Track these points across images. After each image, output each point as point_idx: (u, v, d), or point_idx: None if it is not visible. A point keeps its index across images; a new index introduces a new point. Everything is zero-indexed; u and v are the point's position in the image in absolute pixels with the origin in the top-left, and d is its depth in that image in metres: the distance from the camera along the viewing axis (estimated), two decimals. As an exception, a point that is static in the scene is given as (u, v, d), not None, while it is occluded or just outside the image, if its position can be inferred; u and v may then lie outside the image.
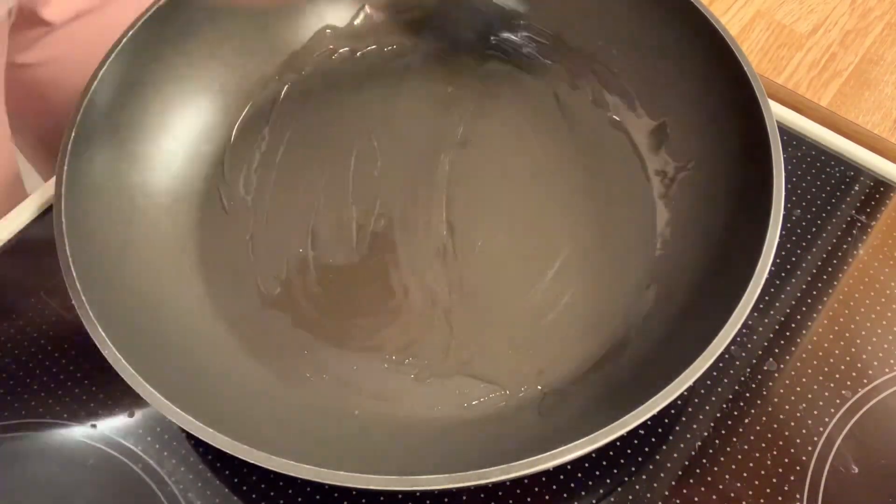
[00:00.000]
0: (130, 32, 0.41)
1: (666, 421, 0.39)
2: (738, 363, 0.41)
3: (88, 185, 0.39)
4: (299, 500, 0.37)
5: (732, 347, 0.41)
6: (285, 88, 0.48)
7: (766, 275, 0.34)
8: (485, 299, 0.41)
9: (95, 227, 0.39)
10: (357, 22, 0.50)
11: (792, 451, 0.38)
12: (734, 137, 0.41)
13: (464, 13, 0.49)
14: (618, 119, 0.46)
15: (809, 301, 0.43)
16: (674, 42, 0.44)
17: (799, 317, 0.42)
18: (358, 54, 0.49)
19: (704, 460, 0.38)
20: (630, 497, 0.37)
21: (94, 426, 0.39)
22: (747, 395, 0.40)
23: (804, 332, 0.42)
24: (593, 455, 0.38)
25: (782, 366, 0.41)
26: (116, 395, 0.39)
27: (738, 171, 0.40)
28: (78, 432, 0.38)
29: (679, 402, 0.40)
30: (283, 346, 0.40)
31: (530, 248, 0.42)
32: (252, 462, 0.30)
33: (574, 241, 0.43)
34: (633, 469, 0.38)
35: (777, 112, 0.49)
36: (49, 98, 0.55)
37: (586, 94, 0.47)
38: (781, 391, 0.40)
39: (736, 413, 0.39)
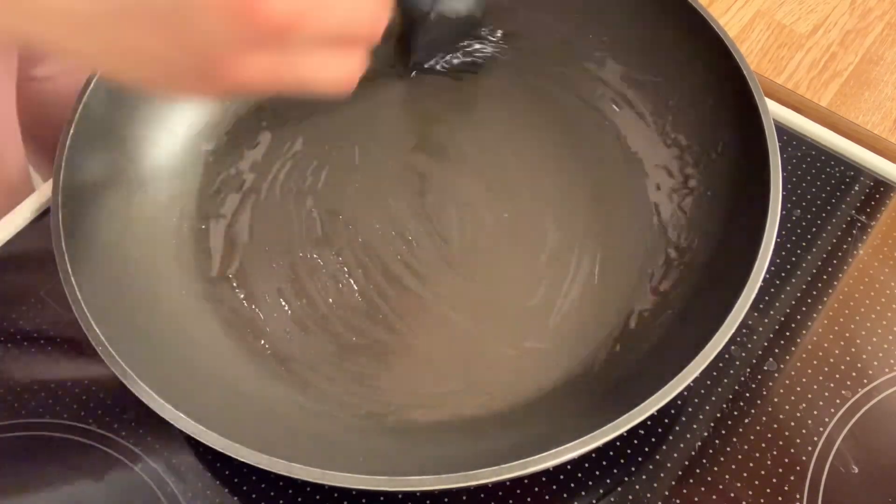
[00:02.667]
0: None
1: (666, 421, 0.39)
2: (738, 363, 0.41)
3: (86, 184, 0.39)
4: (299, 500, 0.37)
5: (732, 347, 0.41)
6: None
7: (762, 276, 0.34)
8: (482, 303, 0.41)
9: (93, 225, 0.39)
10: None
11: (792, 451, 0.38)
12: (732, 137, 0.41)
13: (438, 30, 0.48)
14: (616, 121, 0.46)
15: (809, 301, 0.43)
16: (671, 42, 0.44)
17: (799, 317, 0.42)
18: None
19: (704, 460, 0.38)
20: (630, 497, 0.37)
21: (93, 426, 0.39)
22: (747, 395, 0.40)
23: (804, 332, 0.42)
24: (593, 455, 0.38)
25: (782, 366, 0.41)
26: (116, 394, 0.39)
27: (736, 170, 0.40)
28: (78, 432, 0.38)
29: (679, 402, 0.40)
30: (277, 347, 0.40)
31: (528, 251, 0.42)
32: (245, 461, 0.30)
33: (571, 245, 0.42)
34: (633, 469, 0.38)
35: (777, 112, 0.49)
36: (58, 105, 0.56)
37: (582, 95, 0.47)
38: (781, 391, 0.40)
39: (736, 413, 0.39)
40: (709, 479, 0.38)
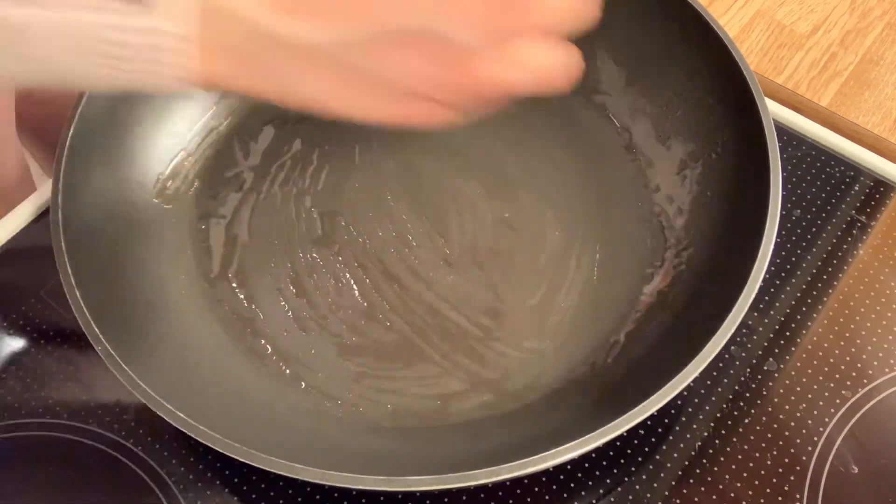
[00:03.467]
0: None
1: (666, 421, 0.39)
2: (738, 363, 0.41)
3: (86, 183, 0.39)
4: (299, 499, 0.37)
5: (732, 347, 0.41)
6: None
7: (762, 276, 0.34)
8: (482, 303, 0.41)
9: (93, 225, 0.39)
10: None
11: (792, 451, 0.38)
12: (732, 137, 0.41)
13: None
14: (615, 121, 0.46)
15: (809, 301, 0.43)
16: (671, 43, 0.44)
17: (799, 317, 0.42)
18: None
19: (704, 460, 0.38)
20: (630, 497, 0.37)
21: (94, 426, 0.39)
22: (747, 395, 0.40)
23: (804, 332, 0.42)
24: (593, 455, 0.38)
25: (782, 366, 0.41)
26: (117, 394, 0.39)
27: (736, 170, 0.40)
28: (78, 432, 0.38)
29: (679, 402, 0.40)
30: (278, 347, 0.40)
31: (528, 251, 0.42)
32: (245, 461, 0.30)
33: (571, 245, 0.42)
34: (633, 469, 0.38)
35: (777, 112, 0.49)
36: (59, 104, 0.56)
37: (582, 95, 0.47)
38: (781, 391, 0.40)
39: (736, 413, 0.39)
40: (709, 479, 0.38)
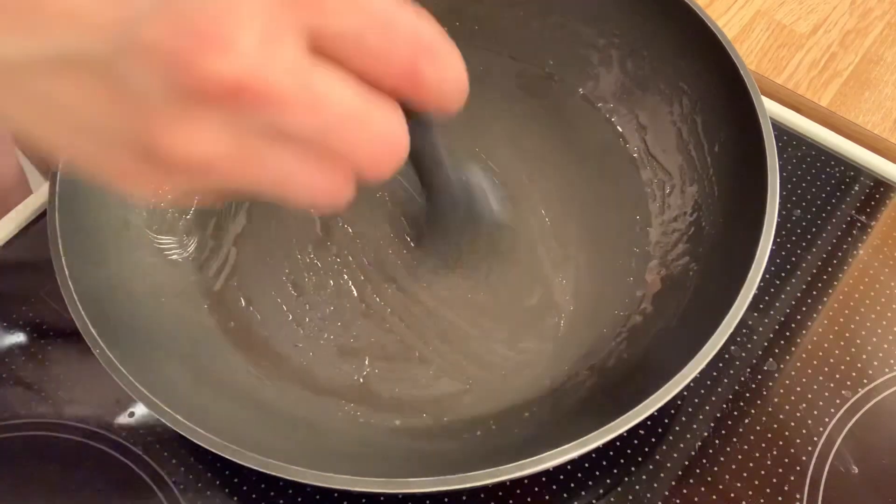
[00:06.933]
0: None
1: (666, 421, 0.39)
2: (738, 363, 0.41)
3: (83, 185, 0.39)
4: (299, 499, 0.37)
5: (732, 347, 0.41)
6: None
7: (760, 275, 0.34)
8: (480, 305, 0.41)
9: (90, 227, 0.39)
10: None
11: (792, 451, 0.38)
12: (729, 137, 0.41)
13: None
14: (614, 121, 0.46)
15: (809, 301, 0.43)
16: (669, 43, 0.44)
17: (799, 317, 0.42)
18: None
19: (704, 460, 0.38)
20: (630, 497, 0.37)
21: (94, 426, 0.39)
22: (747, 395, 0.40)
23: (804, 332, 0.42)
24: (593, 455, 0.38)
25: (782, 366, 0.41)
26: (116, 394, 0.39)
27: (734, 171, 0.40)
28: (78, 432, 0.38)
29: (679, 402, 0.40)
30: (276, 349, 0.40)
31: (526, 252, 0.42)
32: (242, 463, 0.30)
33: (570, 245, 0.42)
34: (633, 469, 0.38)
35: (777, 112, 0.49)
36: None
37: (581, 96, 0.47)
38: (781, 391, 0.40)
39: (736, 413, 0.39)
40: (709, 479, 0.38)
